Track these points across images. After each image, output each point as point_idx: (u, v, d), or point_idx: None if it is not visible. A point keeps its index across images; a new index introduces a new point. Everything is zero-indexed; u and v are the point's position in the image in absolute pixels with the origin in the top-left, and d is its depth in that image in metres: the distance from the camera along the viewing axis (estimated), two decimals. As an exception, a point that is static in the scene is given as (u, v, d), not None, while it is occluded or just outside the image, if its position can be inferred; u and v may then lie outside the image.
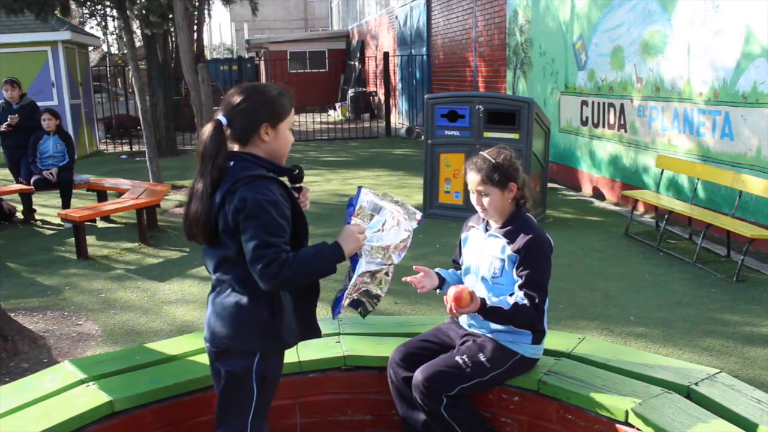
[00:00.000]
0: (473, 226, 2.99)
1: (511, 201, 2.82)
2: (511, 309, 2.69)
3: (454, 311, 2.66)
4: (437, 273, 2.96)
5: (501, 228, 2.83)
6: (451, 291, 2.66)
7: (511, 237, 2.78)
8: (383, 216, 2.45)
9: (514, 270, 2.76)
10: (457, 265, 3.05)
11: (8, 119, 8.38)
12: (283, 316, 2.34)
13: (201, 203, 2.26)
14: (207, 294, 2.49)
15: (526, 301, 2.70)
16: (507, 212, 2.83)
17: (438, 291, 2.96)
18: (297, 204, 2.36)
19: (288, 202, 2.30)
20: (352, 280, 2.39)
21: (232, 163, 2.30)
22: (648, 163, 8.17)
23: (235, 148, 2.35)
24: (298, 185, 2.47)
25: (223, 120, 2.31)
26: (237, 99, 2.32)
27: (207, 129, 2.31)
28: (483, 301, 2.69)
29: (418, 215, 2.58)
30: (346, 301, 2.44)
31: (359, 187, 2.51)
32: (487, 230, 2.89)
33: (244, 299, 2.31)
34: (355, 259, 2.40)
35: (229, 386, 2.41)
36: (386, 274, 2.47)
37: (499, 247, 2.80)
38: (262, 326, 2.32)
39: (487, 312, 2.69)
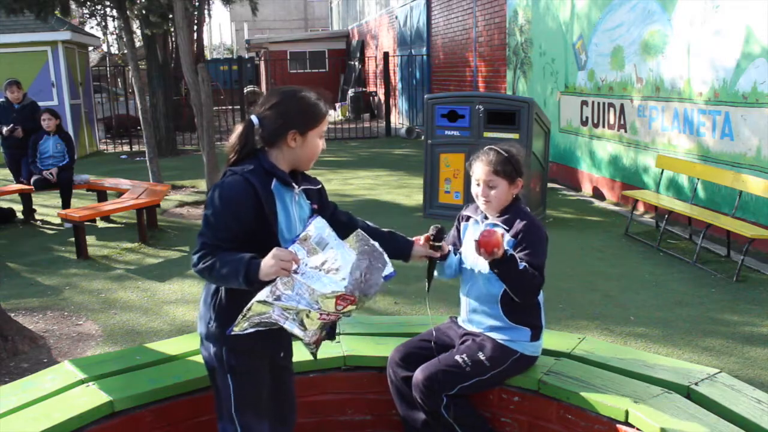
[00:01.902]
0: (470, 216, 2.99)
1: (513, 197, 2.85)
2: (523, 269, 2.67)
3: (488, 254, 2.59)
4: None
5: (499, 217, 2.85)
6: (484, 237, 2.57)
7: (509, 224, 2.81)
8: (325, 256, 2.22)
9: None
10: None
11: (12, 127, 8.39)
12: (226, 319, 2.29)
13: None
14: None
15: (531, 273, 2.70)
16: (505, 206, 2.86)
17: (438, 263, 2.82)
18: (274, 203, 2.30)
19: (257, 203, 2.25)
20: (248, 305, 2.16)
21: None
22: (648, 163, 8.17)
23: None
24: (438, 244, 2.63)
25: (255, 120, 2.34)
26: (272, 101, 2.35)
27: (238, 127, 2.37)
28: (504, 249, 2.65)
29: (387, 270, 2.28)
30: (236, 328, 2.20)
31: (314, 214, 2.36)
32: (485, 220, 2.90)
33: (205, 290, 2.43)
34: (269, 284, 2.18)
35: (209, 374, 2.50)
36: (307, 316, 2.19)
37: None
38: (207, 320, 2.40)
39: (505, 260, 2.62)
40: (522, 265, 2.68)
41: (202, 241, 2.25)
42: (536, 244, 2.76)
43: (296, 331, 2.22)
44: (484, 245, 2.57)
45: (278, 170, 2.34)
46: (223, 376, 2.40)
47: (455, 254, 2.97)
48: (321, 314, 2.21)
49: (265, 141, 2.35)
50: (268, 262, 2.14)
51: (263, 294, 2.16)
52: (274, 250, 2.16)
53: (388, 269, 2.28)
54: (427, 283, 2.79)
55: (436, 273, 2.91)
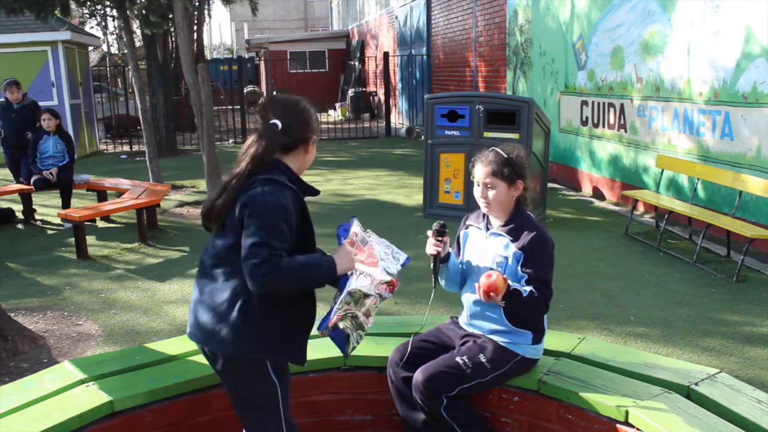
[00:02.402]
0: (472, 225, 2.98)
1: (514, 199, 2.83)
2: (528, 297, 2.67)
3: (486, 297, 2.63)
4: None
5: (503, 226, 2.83)
6: (484, 281, 2.61)
7: (514, 235, 2.78)
8: (368, 250, 2.48)
9: (519, 267, 2.75)
10: None
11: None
12: (256, 327, 2.30)
13: (232, 194, 2.29)
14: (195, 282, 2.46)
15: (537, 295, 2.69)
16: (509, 210, 2.83)
17: (440, 264, 2.88)
18: (308, 214, 2.37)
19: (299, 213, 2.31)
20: (342, 296, 2.35)
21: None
22: (648, 163, 8.17)
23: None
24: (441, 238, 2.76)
25: (279, 124, 2.34)
26: (294, 106, 2.39)
27: (261, 130, 2.35)
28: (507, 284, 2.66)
29: (403, 258, 2.55)
30: (334, 318, 2.35)
31: (352, 217, 2.57)
32: (488, 229, 2.88)
33: (225, 296, 2.31)
34: (344, 279, 2.38)
35: (233, 387, 2.46)
36: (374, 304, 2.42)
37: (502, 245, 2.80)
38: (233, 329, 2.29)
39: (509, 295, 2.64)
40: (526, 291, 2.67)
41: (269, 252, 2.18)
42: (544, 258, 2.75)
43: (366, 323, 2.44)
44: (484, 289, 2.60)
45: (299, 178, 2.39)
46: (269, 383, 2.38)
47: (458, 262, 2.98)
48: (375, 301, 2.42)
49: (284, 147, 2.36)
50: (344, 258, 2.34)
51: (351, 284, 2.35)
52: (341, 248, 2.38)
53: (403, 256, 2.56)
54: (433, 280, 2.88)
55: (442, 282, 2.95)
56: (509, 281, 2.67)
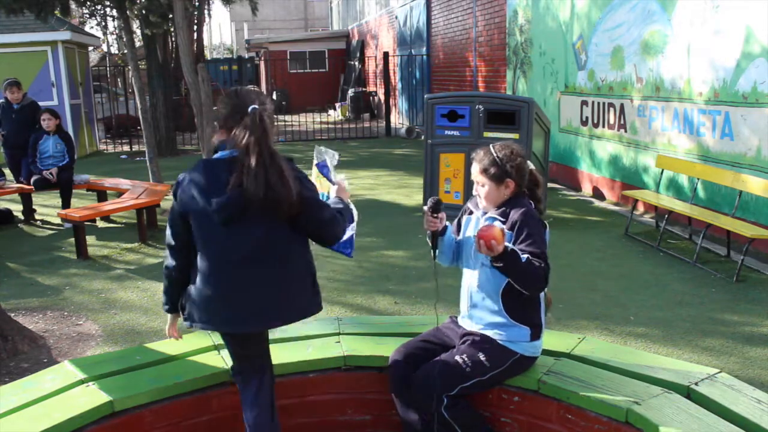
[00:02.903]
0: (473, 210, 3.01)
1: (506, 197, 2.85)
2: (526, 262, 2.66)
3: (488, 249, 2.61)
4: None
5: (497, 210, 2.87)
6: (485, 231, 2.61)
7: (505, 216, 2.83)
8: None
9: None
10: None
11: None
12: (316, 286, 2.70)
13: (292, 178, 2.48)
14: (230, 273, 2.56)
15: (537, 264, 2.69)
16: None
17: (438, 237, 2.96)
18: None
19: None
20: (354, 224, 2.89)
21: None
22: (648, 163, 8.17)
23: None
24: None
25: (257, 107, 2.51)
26: (263, 96, 2.61)
27: (252, 117, 2.47)
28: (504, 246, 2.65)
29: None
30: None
31: (328, 152, 3.02)
32: (485, 214, 2.91)
33: (299, 272, 2.61)
34: None
35: None
36: None
37: None
38: (314, 296, 2.68)
39: (507, 255, 2.62)
40: (524, 257, 2.67)
41: (333, 211, 2.63)
42: (534, 233, 2.76)
43: None
44: (484, 238, 2.59)
45: None
46: None
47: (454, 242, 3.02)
48: None
49: None
50: (344, 193, 2.84)
51: (355, 211, 2.91)
52: (340, 185, 2.87)
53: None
54: (432, 252, 2.96)
55: (437, 253, 2.99)
56: (507, 244, 2.66)
